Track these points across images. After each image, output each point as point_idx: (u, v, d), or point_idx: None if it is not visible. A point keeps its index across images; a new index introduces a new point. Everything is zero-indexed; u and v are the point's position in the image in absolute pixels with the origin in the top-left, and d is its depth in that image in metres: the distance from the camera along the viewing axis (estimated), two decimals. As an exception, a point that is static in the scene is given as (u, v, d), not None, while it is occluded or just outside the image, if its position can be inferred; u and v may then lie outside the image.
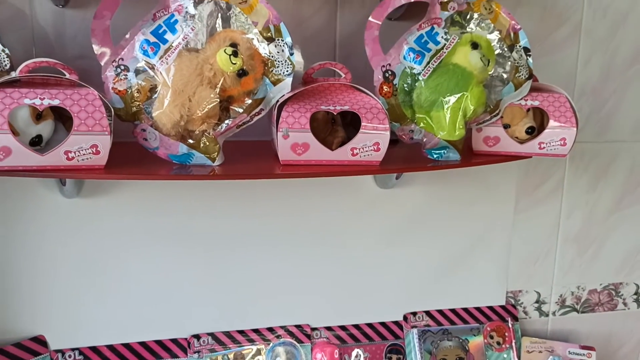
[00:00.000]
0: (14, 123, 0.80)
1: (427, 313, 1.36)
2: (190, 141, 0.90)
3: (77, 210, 1.11)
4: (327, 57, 1.15)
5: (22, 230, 1.10)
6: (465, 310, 1.38)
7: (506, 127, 1.06)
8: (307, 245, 1.26)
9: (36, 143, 0.83)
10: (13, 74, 0.85)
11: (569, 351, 1.35)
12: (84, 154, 0.83)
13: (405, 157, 1.08)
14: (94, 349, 1.18)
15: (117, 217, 1.14)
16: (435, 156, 1.01)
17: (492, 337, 1.36)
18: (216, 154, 0.91)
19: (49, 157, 0.81)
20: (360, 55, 1.04)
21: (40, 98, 0.81)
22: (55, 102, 0.81)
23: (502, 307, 1.40)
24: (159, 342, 1.22)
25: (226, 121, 0.91)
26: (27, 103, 0.80)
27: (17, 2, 1.00)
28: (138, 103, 0.88)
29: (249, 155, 1.00)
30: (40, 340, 1.15)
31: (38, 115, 0.83)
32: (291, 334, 1.28)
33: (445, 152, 1.01)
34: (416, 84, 0.98)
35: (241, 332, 1.26)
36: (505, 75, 1.01)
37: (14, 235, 1.10)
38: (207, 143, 0.90)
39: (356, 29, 1.15)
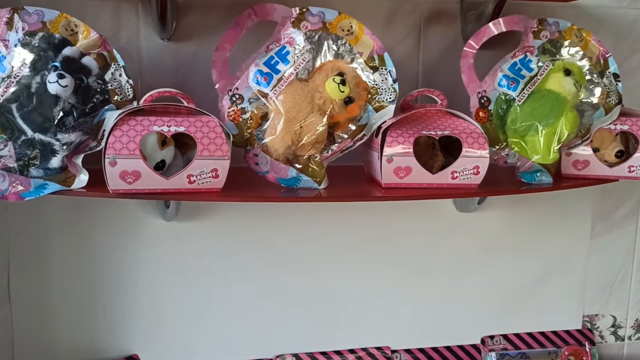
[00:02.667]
0: (142, 149, 0.85)
1: (505, 337, 1.36)
2: (298, 165, 0.94)
3: (175, 232, 1.16)
4: (411, 86, 1.19)
5: (121, 253, 1.15)
6: (542, 334, 1.38)
7: (595, 150, 1.08)
8: (389, 268, 1.28)
9: (160, 167, 0.87)
10: (135, 103, 0.90)
11: (649, 377, 1.34)
12: (204, 178, 0.87)
13: (495, 181, 1.10)
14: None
15: (209, 239, 1.18)
16: (528, 179, 1.04)
17: (570, 362, 1.36)
18: (322, 177, 0.95)
19: (173, 181, 0.86)
20: (441, 83, 1.08)
21: (167, 125, 0.85)
22: (181, 129, 0.85)
23: (579, 331, 1.39)
24: (244, 363, 1.24)
25: (332, 146, 0.94)
26: (156, 130, 0.85)
27: (126, 34, 1.06)
28: (250, 130, 0.92)
29: (346, 179, 1.04)
30: (134, 359, 1.19)
31: (163, 142, 0.87)
32: (372, 356, 1.30)
33: (539, 175, 1.03)
34: (511, 109, 1.01)
35: (324, 353, 1.28)
36: (595, 101, 1.04)
37: (113, 258, 1.14)
38: (315, 167, 0.94)
39: (438, 57, 1.19)
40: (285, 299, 1.25)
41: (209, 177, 0.87)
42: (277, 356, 1.26)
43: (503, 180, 1.08)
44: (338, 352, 1.29)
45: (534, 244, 1.34)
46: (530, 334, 1.37)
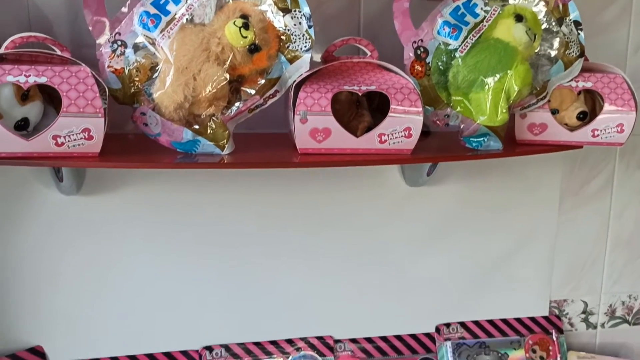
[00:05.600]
0: (-5, 103, 0.71)
1: (462, 324, 1.24)
2: (196, 127, 0.80)
3: (77, 209, 1.02)
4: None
5: (19, 233, 1.01)
6: (504, 321, 1.25)
7: (554, 112, 0.94)
8: (329, 250, 1.15)
9: (22, 127, 0.74)
10: (-1, 51, 0.76)
11: (621, 367, 1.22)
12: (75, 140, 0.73)
13: (439, 148, 0.97)
14: (96, 361, 1.09)
15: (120, 218, 1.05)
16: (474, 145, 0.90)
17: (534, 352, 1.23)
18: (225, 141, 0.81)
19: (35, 143, 0.72)
20: (388, 36, 0.94)
21: (25, 75, 0.71)
22: (42, 80, 0.71)
23: (545, 318, 1.27)
24: (167, 355, 1.12)
25: (236, 104, 0.81)
26: (10, 80, 0.71)
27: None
28: (137, 83, 0.79)
29: (263, 147, 0.90)
30: (38, 352, 1.06)
31: (24, 96, 0.74)
32: (312, 347, 1.17)
33: (486, 139, 0.89)
34: (452, 62, 0.87)
35: (257, 344, 1.15)
36: (553, 53, 0.89)
37: (10, 238, 1.01)
38: (215, 128, 0.80)
39: (383, 7, 1.04)
40: (211, 283, 1.12)
41: (81, 138, 0.73)
42: (204, 347, 1.13)
43: (456, 147, 0.94)
44: (274, 343, 1.16)
45: (495, 221, 1.21)
46: (490, 322, 1.25)
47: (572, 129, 0.94)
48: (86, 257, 1.05)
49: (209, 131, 0.80)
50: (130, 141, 0.82)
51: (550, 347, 1.24)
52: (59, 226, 1.02)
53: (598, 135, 0.93)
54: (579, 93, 0.94)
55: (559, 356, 1.23)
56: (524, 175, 1.20)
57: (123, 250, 1.06)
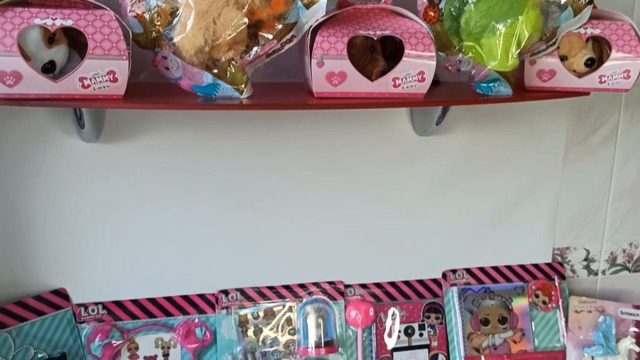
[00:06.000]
0: (24, 46, 0.73)
1: (468, 270, 1.27)
2: (216, 71, 0.82)
3: (96, 156, 1.05)
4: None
5: (41, 179, 1.04)
6: (509, 267, 1.29)
7: (563, 59, 0.96)
8: (340, 198, 1.18)
9: (49, 70, 0.76)
10: (23, -5, 0.78)
11: (620, 311, 1.26)
12: (100, 82, 0.75)
13: (449, 96, 0.99)
14: (118, 303, 1.13)
15: (138, 165, 1.07)
16: (484, 90, 0.92)
17: (537, 296, 1.27)
18: (244, 85, 0.83)
19: (62, 85, 0.74)
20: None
21: (52, 18, 0.73)
22: (68, 23, 0.73)
23: (548, 264, 1.31)
24: (185, 298, 1.16)
25: (255, 48, 0.82)
26: (38, 23, 0.73)
27: None
28: (158, 27, 0.80)
29: (280, 94, 0.92)
30: (62, 294, 1.10)
31: (50, 39, 0.76)
32: (324, 291, 1.21)
33: (496, 85, 0.91)
34: (465, 7, 0.88)
35: (271, 288, 1.19)
36: (563, 0, 0.91)
37: (32, 184, 1.04)
38: (234, 72, 0.82)
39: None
40: (227, 229, 1.15)
41: (106, 80, 0.76)
42: (220, 291, 1.17)
43: (466, 94, 0.96)
44: (287, 287, 1.20)
45: (501, 171, 1.24)
46: (495, 268, 1.29)
47: (580, 75, 0.96)
48: (105, 203, 1.08)
49: (228, 75, 0.82)
50: (146, 89, 0.84)
51: (553, 293, 1.28)
52: (79, 172, 1.05)
53: (605, 81, 0.95)
54: (587, 40, 0.96)
55: (560, 301, 1.27)
56: (530, 127, 1.22)
57: (141, 197, 1.09)
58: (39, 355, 1.06)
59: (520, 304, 1.27)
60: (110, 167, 1.06)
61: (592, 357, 1.23)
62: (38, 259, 1.08)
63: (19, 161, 1.02)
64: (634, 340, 1.23)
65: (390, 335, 1.23)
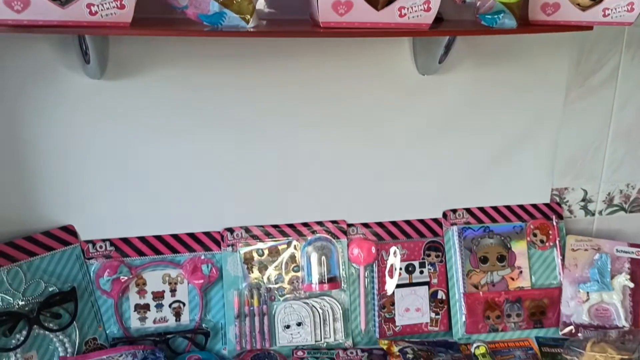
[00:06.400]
0: (31, -29, 0.72)
1: (468, 210, 1.30)
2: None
3: (102, 92, 1.06)
4: None
5: (46, 115, 1.05)
6: (508, 207, 1.32)
7: (567, -8, 0.96)
8: (344, 137, 1.19)
9: (56, -5, 0.75)
10: None
11: (616, 249, 1.29)
12: (107, 9, 0.75)
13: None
14: (125, 240, 1.15)
15: (144, 101, 1.08)
16: (489, 22, 0.92)
17: (535, 235, 1.30)
18: (250, 14, 0.83)
19: (70, 11, 0.74)
20: None
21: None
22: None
23: (547, 205, 1.33)
24: (191, 235, 1.18)
25: (261, -24, 0.82)
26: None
27: None
28: (165, -46, 0.80)
29: (286, 26, 0.92)
30: (70, 230, 1.12)
31: (57, -36, 0.75)
32: (327, 230, 1.23)
33: (501, 17, 0.92)
34: (471, -64, 0.88)
35: (276, 226, 1.21)
36: None
37: (38, 120, 1.05)
38: (241, 1, 0.82)
39: None
40: (233, 168, 1.17)
41: (113, 7, 0.76)
42: (226, 229, 1.19)
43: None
44: (291, 226, 1.22)
45: (503, 111, 1.25)
46: (495, 208, 1.31)
47: (583, 8, 0.96)
48: (111, 140, 1.09)
49: (234, 3, 0.82)
50: (152, 22, 0.84)
51: (550, 232, 1.31)
52: (85, 109, 1.06)
53: (608, 14, 0.95)
54: (592, -28, 0.96)
55: (558, 240, 1.30)
56: (532, 67, 1.23)
57: (147, 134, 1.10)
58: (50, 289, 1.08)
59: (519, 247, 1.30)
60: (116, 104, 1.07)
61: (587, 293, 1.27)
62: (45, 196, 1.09)
63: (24, 97, 1.02)
64: (628, 276, 1.26)
65: (391, 272, 1.25)
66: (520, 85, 1.23)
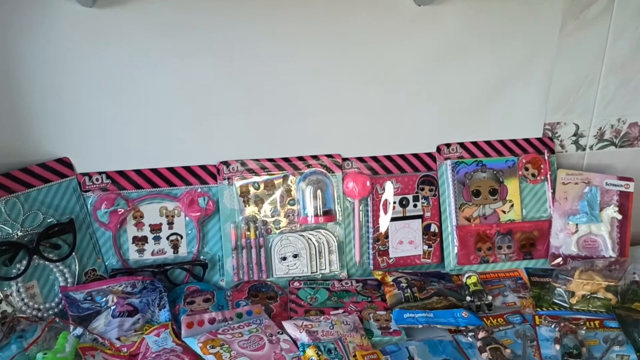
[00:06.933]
0: None
1: (461, 145, 1.31)
2: None
3: (95, 21, 1.04)
4: None
5: (39, 44, 1.04)
6: (501, 142, 1.33)
7: None
8: (339, 71, 1.19)
9: None
10: None
11: (606, 182, 1.31)
12: None
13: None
14: (121, 173, 1.15)
15: (137, 29, 1.07)
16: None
17: (527, 169, 1.32)
18: None
19: None
20: None
21: None
22: None
23: (539, 139, 1.34)
24: (187, 169, 1.19)
25: None
26: None
27: None
28: None
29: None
30: (66, 162, 1.12)
31: None
32: (322, 164, 1.24)
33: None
34: None
35: (271, 160, 1.22)
36: None
37: (30, 50, 1.03)
38: None
39: None
40: (229, 101, 1.17)
41: None
42: (221, 162, 1.20)
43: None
44: (286, 160, 1.23)
45: (497, 44, 1.24)
46: (488, 142, 1.32)
47: None
48: (105, 69, 1.08)
49: None
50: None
51: (542, 166, 1.33)
52: (77, 37, 1.05)
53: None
54: None
55: (549, 174, 1.32)
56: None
57: (142, 65, 1.09)
58: (48, 220, 1.09)
59: (511, 181, 1.31)
60: (108, 32, 1.05)
61: (577, 225, 1.30)
62: (40, 128, 1.09)
63: (16, 27, 1.01)
64: (616, 208, 1.29)
65: (385, 206, 1.27)
66: (515, 17, 1.22)
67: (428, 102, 1.25)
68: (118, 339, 1.01)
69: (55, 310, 1.08)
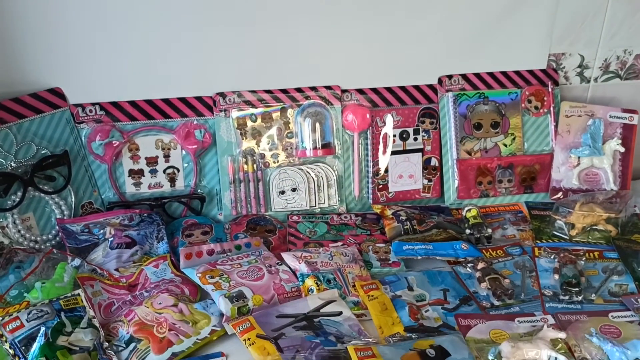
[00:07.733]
0: None
1: (463, 76, 1.28)
2: None
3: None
4: None
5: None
6: (504, 73, 1.29)
7: None
8: (339, 2, 1.14)
9: None
10: None
11: (609, 115, 1.29)
12: None
13: None
14: (115, 104, 1.13)
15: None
16: None
17: (530, 102, 1.29)
18: None
19: None
20: None
21: None
22: None
23: (543, 71, 1.31)
24: (183, 100, 1.16)
25: None
26: None
27: None
28: None
29: None
30: (58, 93, 1.09)
31: None
32: (320, 95, 1.21)
33: None
34: None
35: (268, 91, 1.19)
36: None
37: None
38: None
39: None
40: (224, 30, 1.13)
41: None
42: (218, 93, 1.17)
43: None
44: (284, 91, 1.20)
45: (503, -30, 1.19)
46: (490, 74, 1.29)
47: None
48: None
49: None
50: None
51: (545, 98, 1.30)
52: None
53: None
54: None
55: (552, 106, 1.30)
56: None
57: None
58: (42, 152, 1.07)
59: (514, 115, 1.29)
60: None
61: (579, 158, 1.28)
62: (30, 57, 1.06)
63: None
64: (619, 141, 1.27)
65: (385, 140, 1.25)
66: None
67: (429, 30, 1.22)
68: (117, 270, 1.01)
69: (53, 242, 1.07)
